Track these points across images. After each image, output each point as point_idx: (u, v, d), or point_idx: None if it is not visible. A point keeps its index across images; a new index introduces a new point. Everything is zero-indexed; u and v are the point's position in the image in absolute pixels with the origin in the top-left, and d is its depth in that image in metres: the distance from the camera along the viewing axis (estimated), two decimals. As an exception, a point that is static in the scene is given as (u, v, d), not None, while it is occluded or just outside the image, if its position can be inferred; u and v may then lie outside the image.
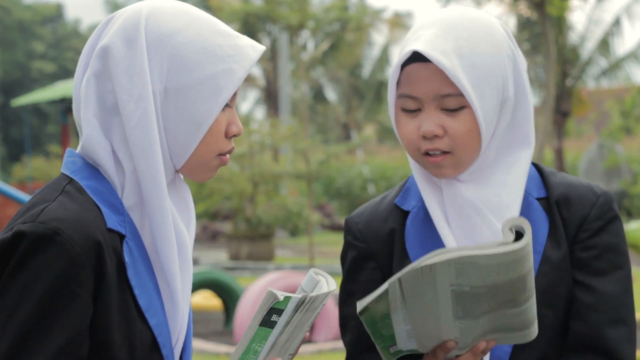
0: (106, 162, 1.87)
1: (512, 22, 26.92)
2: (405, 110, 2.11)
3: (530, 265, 1.91)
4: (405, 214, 2.21)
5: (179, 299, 1.89)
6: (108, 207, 1.85)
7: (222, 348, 9.30)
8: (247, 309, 9.11)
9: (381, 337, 1.98)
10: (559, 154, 25.36)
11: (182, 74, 1.87)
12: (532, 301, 1.95)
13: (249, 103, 54.06)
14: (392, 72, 2.11)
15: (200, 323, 10.87)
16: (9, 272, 1.77)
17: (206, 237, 26.37)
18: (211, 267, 13.43)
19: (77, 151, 1.92)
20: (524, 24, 26.48)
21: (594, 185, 2.20)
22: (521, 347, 2.10)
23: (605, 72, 26.35)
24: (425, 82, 2.08)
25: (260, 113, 38.66)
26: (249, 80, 32.79)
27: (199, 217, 25.22)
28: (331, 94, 40.15)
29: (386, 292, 1.89)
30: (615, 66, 26.29)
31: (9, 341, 1.74)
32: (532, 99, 2.16)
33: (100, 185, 1.87)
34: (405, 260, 2.16)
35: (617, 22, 25.95)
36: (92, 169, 1.88)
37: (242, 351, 1.79)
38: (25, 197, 8.15)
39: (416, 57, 2.09)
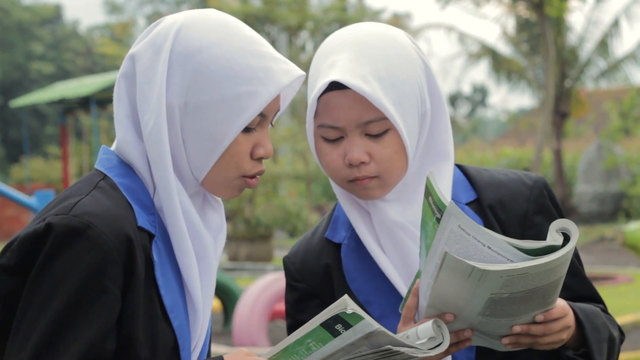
0: (138, 162, 1.87)
1: (511, 23, 26.95)
2: (327, 140, 2.04)
3: (567, 267, 1.86)
4: (338, 246, 2.16)
5: (199, 305, 1.88)
6: (140, 206, 1.84)
7: (221, 349, 9.28)
8: (246, 310, 9.10)
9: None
10: (558, 154, 25.38)
11: (202, 91, 1.84)
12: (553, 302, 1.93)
13: (248, 104, 54.08)
14: (309, 103, 2.02)
15: (199, 324, 10.86)
16: (40, 264, 1.75)
17: (205, 238, 26.34)
18: (210, 268, 13.40)
19: (112, 149, 1.91)
20: (522, 25, 26.49)
21: (523, 175, 2.15)
22: (484, 350, 2.05)
23: (604, 73, 26.37)
24: (346, 111, 2.00)
25: (259, 114, 38.63)
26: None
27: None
28: (330, 95, 40.13)
29: (438, 223, 1.80)
30: (614, 67, 26.30)
31: (41, 333, 1.73)
32: (447, 108, 2.10)
33: (134, 184, 1.86)
34: (347, 293, 2.10)
35: (615, 23, 25.96)
36: (127, 167, 1.88)
37: (295, 340, 1.75)
38: (24, 198, 8.13)
39: (333, 85, 2.01)
